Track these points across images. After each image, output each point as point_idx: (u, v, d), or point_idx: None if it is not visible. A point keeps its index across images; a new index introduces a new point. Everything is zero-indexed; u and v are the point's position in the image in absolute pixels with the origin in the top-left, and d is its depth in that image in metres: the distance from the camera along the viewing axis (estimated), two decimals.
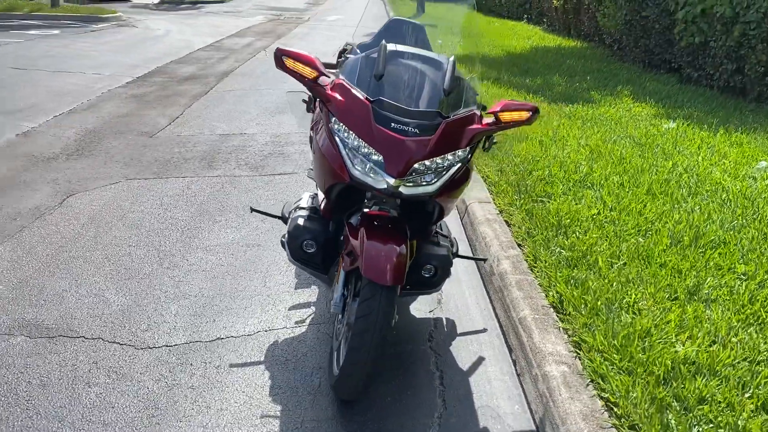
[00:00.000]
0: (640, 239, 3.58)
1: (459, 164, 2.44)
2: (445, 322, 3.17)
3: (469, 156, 2.50)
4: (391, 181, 2.31)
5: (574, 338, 2.71)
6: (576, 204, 4.03)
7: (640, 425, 2.20)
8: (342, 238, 2.63)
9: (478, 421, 2.49)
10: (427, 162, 2.35)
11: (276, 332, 3.00)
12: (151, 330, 2.96)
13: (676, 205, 4.08)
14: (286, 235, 2.79)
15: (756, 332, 2.74)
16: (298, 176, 5.05)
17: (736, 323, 2.80)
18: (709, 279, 3.15)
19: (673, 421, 2.20)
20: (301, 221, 2.75)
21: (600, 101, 7.22)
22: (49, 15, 16.13)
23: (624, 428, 2.21)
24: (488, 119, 2.53)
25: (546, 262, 3.35)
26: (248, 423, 2.41)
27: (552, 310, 2.96)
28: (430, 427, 2.44)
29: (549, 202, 4.07)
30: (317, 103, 2.73)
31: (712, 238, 3.60)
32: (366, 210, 2.52)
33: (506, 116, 2.45)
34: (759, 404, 2.30)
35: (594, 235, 3.59)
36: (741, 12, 7.10)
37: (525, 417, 2.53)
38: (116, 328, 2.96)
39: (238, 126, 6.52)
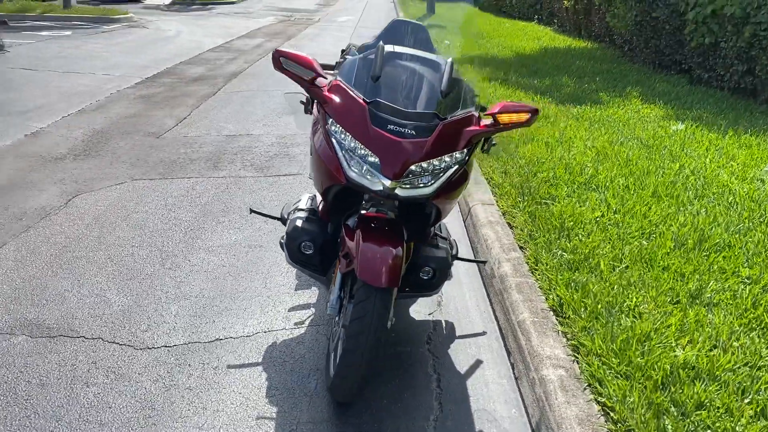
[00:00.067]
0: (644, 242, 3.55)
1: (456, 166, 2.43)
2: (444, 325, 3.16)
3: (467, 158, 2.49)
4: (387, 182, 2.30)
5: (573, 342, 2.69)
6: (580, 206, 4.00)
7: (636, 431, 2.18)
8: (339, 239, 2.63)
9: (474, 424, 2.48)
10: (423, 164, 2.34)
11: (275, 333, 3.00)
12: (151, 330, 2.98)
13: (681, 208, 4.04)
14: (285, 237, 2.79)
15: (758, 337, 2.71)
16: (303, 177, 5.06)
17: (738, 327, 2.77)
18: (712, 283, 3.12)
19: (669, 427, 2.18)
20: (299, 223, 2.75)
21: (608, 102, 7.18)
22: (61, 16, 16.29)
23: None
24: (487, 121, 2.51)
25: (547, 264, 3.33)
26: (244, 424, 2.41)
27: (551, 313, 2.94)
28: (426, 430, 2.43)
29: (553, 204, 4.05)
30: (315, 105, 2.72)
31: (717, 241, 3.56)
32: (363, 212, 2.51)
33: (505, 118, 2.43)
34: (758, 410, 2.27)
35: (597, 238, 3.56)
36: (752, 12, 7.02)
37: (522, 421, 2.51)
38: (116, 329, 2.98)
39: (245, 127, 6.54)
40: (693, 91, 7.90)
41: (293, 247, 2.73)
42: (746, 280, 3.18)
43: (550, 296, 3.06)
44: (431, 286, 2.76)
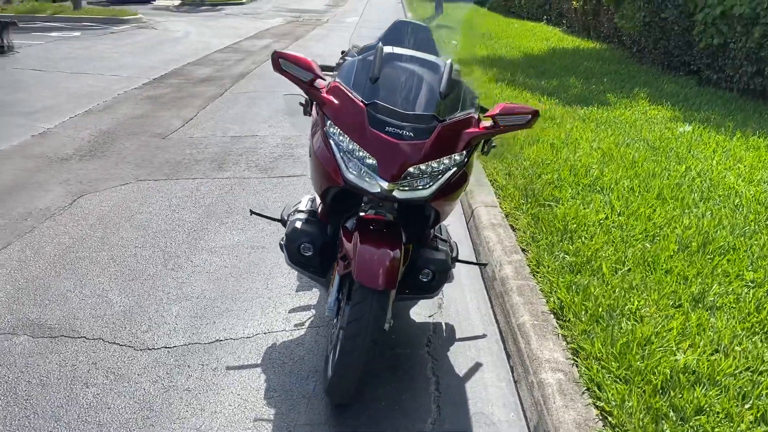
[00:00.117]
0: (647, 245, 3.52)
1: (455, 168, 2.42)
2: (444, 327, 3.15)
3: (466, 160, 2.48)
4: (385, 185, 2.29)
5: (573, 345, 2.68)
6: (584, 208, 3.98)
7: None
8: (338, 241, 2.62)
9: (472, 427, 2.46)
10: (422, 166, 2.33)
11: (275, 335, 3.00)
12: (152, 331, 2.99)
13: (686, 210, 4.01)
14: (284, 238, 2.79)
15: (761, 341, 2.68)
16: (306, 178, 5.06)
17: (740, 332, 2.74)
18: (715, 286, 3.09)
19: None
20: (299, 224, 2.75)
21: (616, 104, 7.13)
22: (71, 17, 16.42)
23: None
24: (486, 122, 2.50)
25: (549, 267, 3.31)
26: (241, 426, 2.42)
27: (552, 316, 2.92)
28: None
29: (556, 206, 4.03)
30: (314, 106, 2.72)
31: (722, 244, 3.53)
32: (362, 214, 2.51)
33: (505, 120, 2.42)
34: (759, 415, 2.25)
35: (600, 241, 3.54)
36: (762, 13, 6.96)
37: (520, 425, 2.50)
38: (117, 329, 2.99)
39: (250, 128, 6.55)
40: (701, 92, 7.84)
41: (293, 248, 2.73)
42: (750, 283, 3.15)
43: (551, 299, 3.04)
44: (430, 289, 2.75)
